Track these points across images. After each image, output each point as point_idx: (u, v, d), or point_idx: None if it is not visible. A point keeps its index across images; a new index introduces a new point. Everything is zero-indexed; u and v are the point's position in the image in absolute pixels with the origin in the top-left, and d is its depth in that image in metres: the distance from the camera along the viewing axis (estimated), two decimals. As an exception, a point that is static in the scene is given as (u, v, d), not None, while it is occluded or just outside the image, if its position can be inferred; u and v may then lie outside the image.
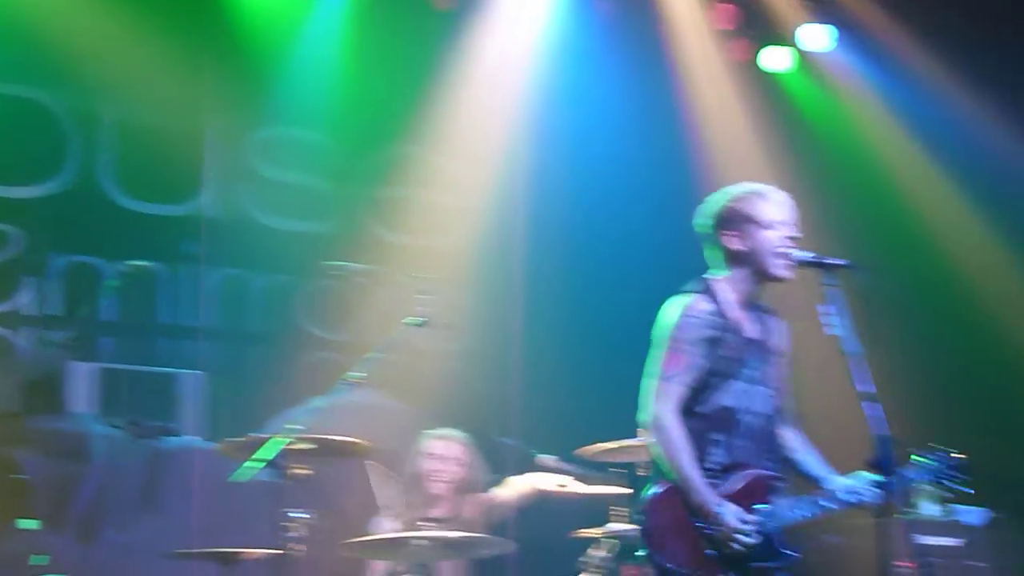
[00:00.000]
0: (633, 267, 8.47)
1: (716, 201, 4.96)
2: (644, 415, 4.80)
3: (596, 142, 8.89)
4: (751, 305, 4.93)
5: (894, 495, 4.46)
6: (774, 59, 9.31)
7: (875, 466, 4.46)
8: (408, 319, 6.55)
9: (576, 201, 8.77)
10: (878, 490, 4.54)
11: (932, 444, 4.92)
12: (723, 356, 4.80)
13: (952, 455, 4.89)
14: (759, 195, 4.91)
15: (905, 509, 4.56)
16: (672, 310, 4.85)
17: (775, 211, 4.87)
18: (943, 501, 7.64)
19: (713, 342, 4.78)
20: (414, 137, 8.68)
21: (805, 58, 9.31)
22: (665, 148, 8.96)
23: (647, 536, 4.77)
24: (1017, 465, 8.68)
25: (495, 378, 8.43)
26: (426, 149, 8.75)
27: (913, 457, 4.88)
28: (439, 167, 8.84)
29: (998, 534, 7.83)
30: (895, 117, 9.14)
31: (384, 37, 8.62)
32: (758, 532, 4.67)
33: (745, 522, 4.66)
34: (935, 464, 4.87)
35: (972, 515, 7.64)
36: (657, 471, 4.82)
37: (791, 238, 4.85)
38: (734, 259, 4.88)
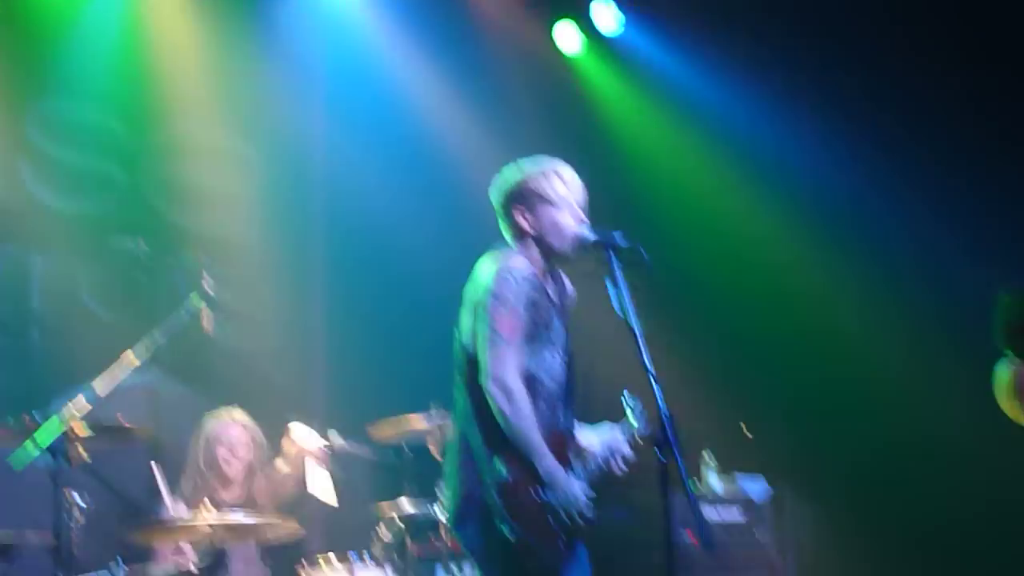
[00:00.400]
0: (431, 247, 8.46)
1: (509, 176, 4.95)
2: (486, 380, 4.67)
3: (394, 126, 8.84)
4: (547, 274, 4.92)
5: (678, 469, 4.50)
6: (566, 40, 9.35)
7: (657, 443, 4.49)
8: (194, 300, 6.45)
9: (375, 184, 8.70)
10: (659, 465, 4.52)
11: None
12: (536, 320, 4.78)
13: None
14: (550, 172, 4.92)
15: (688, 484, 4.58)
16: (491, 266, 4.79)
17: (565, 190, 4.89)
18: (726, 476, 7.85)
19: (533, 304, 4.77)
20: (204, 118, 8.50)
21: (594, 41, 9.37)
22: (464, 129, 8.95)
23: (491, 503, 4.64)
24: (798, 442, 8.99)
25: (288, 359, 8.32)
26: (218, 130, 8.58)
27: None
28: (231, 148, 8.67)
29: (778, 507, 8.05)
30: (682, 102, 9.30)
31: (176, 15, 8.42)
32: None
33: (586, 494, 4.69)
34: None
35: (754, 490, 7.84)
36: (494, 440, 4.69)
37: (579, 219, 4.88)
38: (523, 235, 4.89)
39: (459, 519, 4.76)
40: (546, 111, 9.10)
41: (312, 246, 8.65)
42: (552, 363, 4.84)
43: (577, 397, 4.98)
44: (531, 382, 4.75)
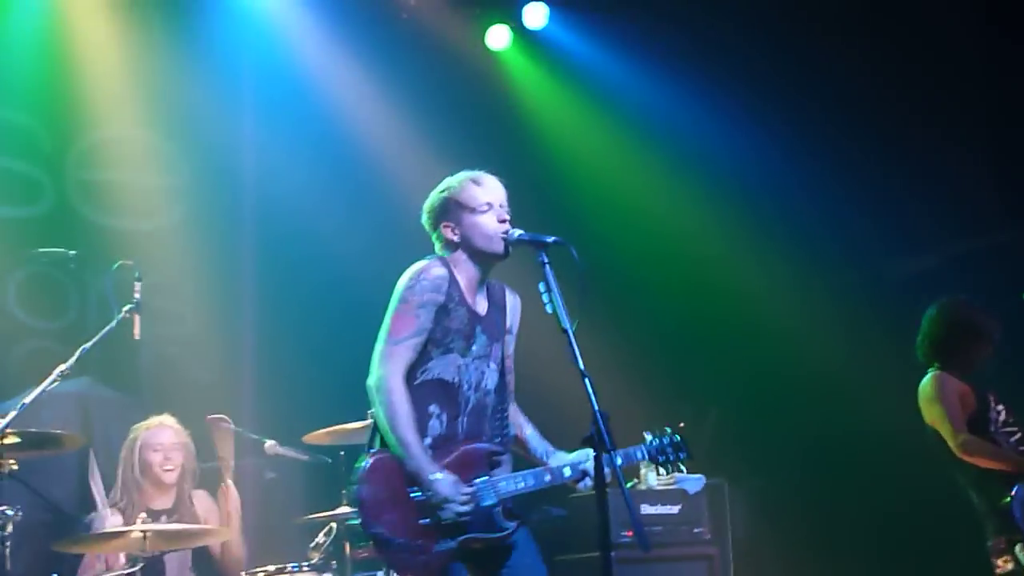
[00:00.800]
0: (362, 249, 8.42)
1: (434, 197, 5.03)
2: (370, 377, 4.77)
3: (323, 126, 8.78)
4: (479, 285, 4.98)
5: (613, 468, 4.51)
6: (494, 36, 9.34)
7: (591, 441, 4.52)
8: (124, 305, 6.38)
9: (304, 185, 8.63)
10: (597, 464, 4.56)
11: (660, 425, 5.08)
12: (445, 327, 4.82)
13: (674, 434, 5.09)
14: (469, 181, 4.99)
15: (626, 480, 4.62)
16: (409, 272, 4.87)
17: (484, 194, 4.95)
18: (663, 471, 7.86)
19: (442, 309, 4.81)
20: (130, 119, 8.42)
21: (521, 36, 9.37)
22: (393, 129, 8.91)
23: (360, 505, 4.70)
24: (734, 433, 9.06)
25: (220, 364, 8.25)
26: (144, 132, 8.50)
27: (644, 434, 5.06)
28: (156, 148, 8.58)
29: (714, 499, 8.09)
30: (607, 94, 9.32)
31: (98, 15, 8.31)
32: (475, 504, 4.71)
33: (458, 492, 4.67)
34: (657, 443, 5.06)
35: (690, 483, 7.84)
36: (372, 439, 4.81)
37: (502, 220, 4.92)
38: (452, 247, 4.96)
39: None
40: (474, 108, 9.09)
41: (244, 248, 8.55)
42: (474, 373, 4.88)
43: (508, 408, 5.01)
44: (441, 387, 4.82)
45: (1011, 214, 8.51)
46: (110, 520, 6.64)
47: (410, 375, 4.80)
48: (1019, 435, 6.22)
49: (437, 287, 4.82)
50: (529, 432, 5.10)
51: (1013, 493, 5.97)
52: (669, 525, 7.71)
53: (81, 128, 8.36)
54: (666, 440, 5.08)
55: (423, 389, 4.81)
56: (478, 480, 4.77)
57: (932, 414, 6.25)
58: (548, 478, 4.88)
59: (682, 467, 5.12)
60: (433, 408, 4.81)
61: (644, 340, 9.00)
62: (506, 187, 5.02)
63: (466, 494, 4.70)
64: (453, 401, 4.83)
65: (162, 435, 6.90)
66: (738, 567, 8.18)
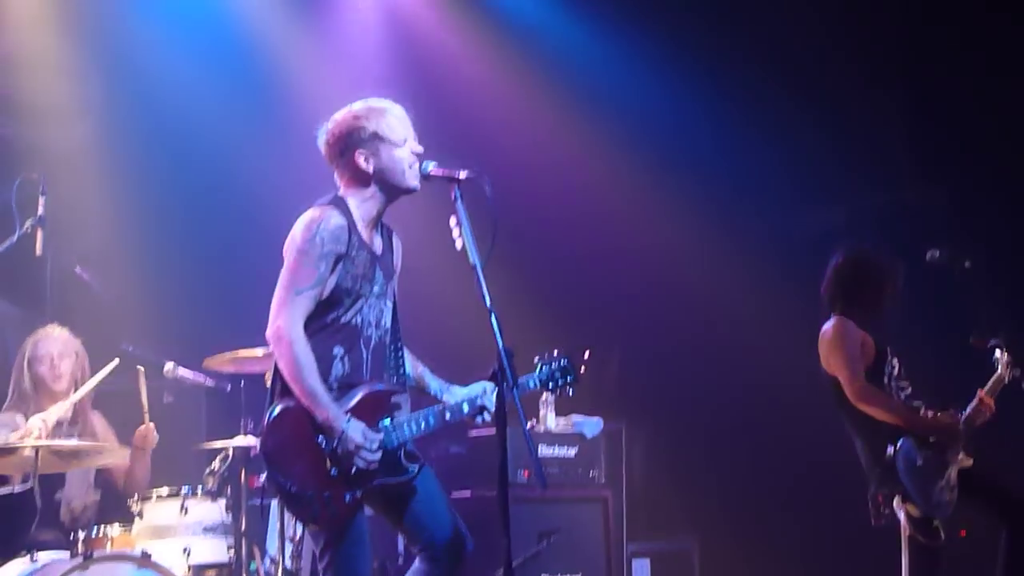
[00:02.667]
0: (271, 174, 8.33)
1: (343, 120, 4.90)
2: (269, 328, 4.70)
3: (238, 49, 8.66)
4: (377, 222, 4.92)
5: (514, 405, 4.51)
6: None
7: (495, 377, 4.52)
8: (27, 219, 6.28)
9: (219, 109, 8.48)
10: (497, 400, 4.56)
11: (550, 351, 5.07)
12: (353, 275, 4.77)
13: (561, 357, 5.07)
14: (382, 111, 4.88)
15: (525, 419, 4.62)
16: (304, 221, 4.77)
17: (400, 126, 4.88)
18: (562, 412, 7.92)
19: (341, 258, 4.74)
20: (42, 29, 8.27)
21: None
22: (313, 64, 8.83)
23: (267, 457, 4.64)
24: (634, 379, 9.14)
25: (124, 283, 8.13)
26: (53, 42, 8.33)
27: (535, 360, 5.04)
28: (67, 60, 8.39)
29: (611, 443, 8.17)
30: (525, 35, 9.27)
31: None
32: (381, 448, 4.68)
33: (369, 439, 4.65)
34: (547, 369, 5.04)
35: (588, 426, 7.93)
36: (278, 389, 4.73)
37: (416, 153, 4.86)
38: (363, 178, 4.85)
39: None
40: (397, 46, 9.00)
41: (151, 166, 8.40)
42: (376, 313, 4.85)
43: (400, 344, 4.97)
44: (351, 332, 4.78)
45: (924, 174, 8.60)
46: (14, 420, 6.55)
47: (319, 323, 4.74)
48: (910, 391, 6.28)
49: (336, 237, 4.73)
50: (421, 369, 5.06)
51: (898, 445, 6.04)
52: (566, 467, 7.76)
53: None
54: (555, 365, 5.05)
55: (331, 334, 4.76)
56: (383, 424, 4.74)
57: (832, 359, 6.28)
58: (448, 416, 4.85)
59: (571, 390, 5.05)
60: (337, 350, 4.76)
61: (549, 280, 9.00)
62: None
63: (375, 440, 4.67)
64: (355, 341, 4.78)
65: (49, 344, 6.79)
66: (632, 511, 8.28)
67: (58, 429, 6.61)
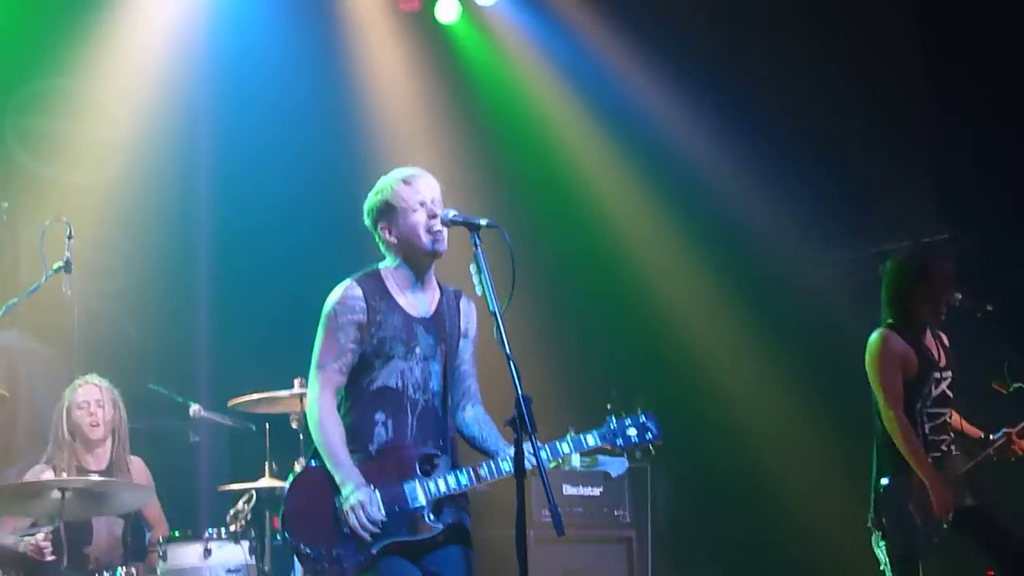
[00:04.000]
0: (305, 218, 8.39)
1: (370, 199, 5.02)
2: (306, 404, 4.90)
3: (265, 85, 8.72)
4: (419, 286, 4.97)
5: (536, 454, 4.54)
6: (445, 10, 9.32)
7: (513, 424, 4.53)
8: (54, 263, 6.34)
9: (249, 150, 8.57)
10: (518, 449, 4.55)
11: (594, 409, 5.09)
12: (380, 338, 4.84)
13: (641, 413, 5.09)
14: (400, 182, 4.96)
15: (543, 467, 4.62)
16: (330, 297, 4.92)
17: (415, 193, 4.94)
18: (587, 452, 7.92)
19: (366, 325, 4.84)
20: (68, 69, 8.33)
21: (471, 10, 9.35)
22: (335, 96, 8.89)
23: (285, 520, 4.78)
24: (659, 418, 9.12)
25: (148, 322, 8.20)
26: (80, 82, 8.40)
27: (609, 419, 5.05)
28: (99, 102, 8.50)
29: (636, 483, 8.17)
30: (556, 73, 9.33)
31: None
32: (401, 508, 4.72)
33: (366, 502, 4.67)
34: (616, 425, 5.06)
35: (613, 465, 7.93)
36: (308, 455, 4.87)
37: (432, 216, 4.90)
38: (392, 248, 4.97)
39: None
40: (423, 81, 9.06)
41: (179, 208, 8.49)
42: (420, 375, 4.90)
43: (456, 410, 5.00)
44: (386, 394, 4.84)
45: (949, 218, 8.58)
46: (41, 476, 6.59)
47: (358, 390, 4.86)
48: (943, 419, 6.16)
49: (351, 308, 4.86)
50: (488, 431, 5.04)
51: (885, 483, 6.02)
52: (590, 507, 7.79)
53: (25, 74, 8.26)
54: (628, 422, 5.06)
55: (368, 399, 4.85)
56: (406, 483, 4.78)
57: (871, 374, 6.16)
58: (483, 473, 4.86)
59: (651, 448, 5.07)
60: (379, 416, 4.83)
61: (575, 324, 9.04)
62: (440, 182, 5.00)
63: (380, 505, 4.70)
64: (400, 405, 4.84)
65: (87, 392, 6.87)
66: (657, 551, 8.27)
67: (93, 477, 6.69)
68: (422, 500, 4.77)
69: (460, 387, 5.05)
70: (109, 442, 6.86)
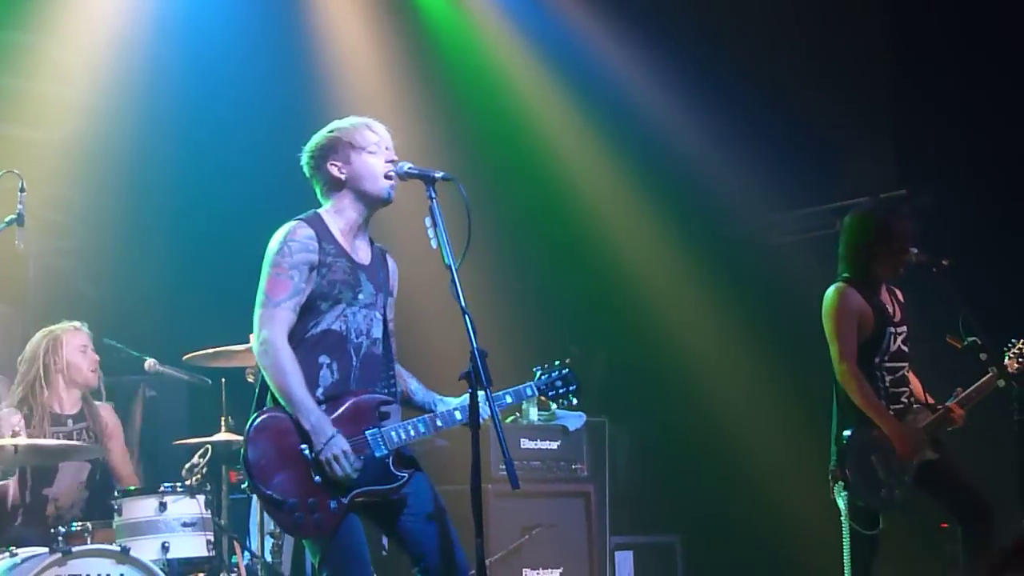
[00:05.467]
0: (255, 172, 8.35)
1: (320, 136, 5.00)
2: (255, 343, 4.78)
3: (226, 43, 8.63)
4: (360, 232, 4.96)
5: (490, 406, 4.53)
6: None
7: (468, 378, 4.54)
8: (6, 216, 6.29)
9: (196, 104, 8.50)
10: (472, 401, 4.55)
11: (550, 361, 5.11)
12: (330, 280, 4.81)
13: (562, 367, 5.11)
14: (360, 125, 4.97)
15: (507, 415, 4.66)
16: (276, 236, 4.85)
17: (374, 137, 4.95)
18: (547, 407, 7.94)
19: (316, 266, 4.80)
20: (22, 24, 8.23)
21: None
22: (296, 55, 8.84)
23: (248, 467, 4.67)
24: (616, 371, 9.18)
25: (103, 279, 8.16)
26: (35, 36, 8.31)
27: (534, 369, 5.08)
28: (49, 56, 8.40)
29: (594, 437, 8.20)
30: (517, 31, 9.29)
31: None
32: (366, 456, 4.71)
33: (347, 450, 4.66)
34: (546, 377, 5.09)
35: (571, 419, 7.94)
36: (261, 398, 4.80)
37: (390, 160, 4.92)
38: (337, 186, 4.93)
39: None
40: (383, 39, 9.01)
41: (134, 164, 8.40)
42: (362, 321, 4.88)
43: (393, 362, 4.98)
44: (336, 339, 4.82)
45: (904, 178, 8.62)
46: (9, 419, 6.56)
47: (301, 332, 4.79)
48: (902, 372, 6.23)
49: (305, 246, 4.80)
50: (414, 386, 5.10)
51: (848, 435, 6.05)
52: (548, 460, 7.80)
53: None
54: (555, 374, 5.09)
55: (315, 344, 4.80)
56: (368, 432, 4.77)
57: (827, 327, 6.20)
58: (439, 423, 4.87)
59: (573, 399, 5.09)
60: (323, 359, 4.80)
61: (535, 280, 9.05)
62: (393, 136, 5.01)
63: (356, 450, 4.69)
64: (343, 350, 4.82)
65: (81, 337, 6.86)
66: (615, 504, 8.32)
67: (62, 423, 6.66)
68: (385, 448, 4.77)
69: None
70: (82, 389, 6.83)
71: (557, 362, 5.13)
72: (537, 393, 5.08)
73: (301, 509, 4.64)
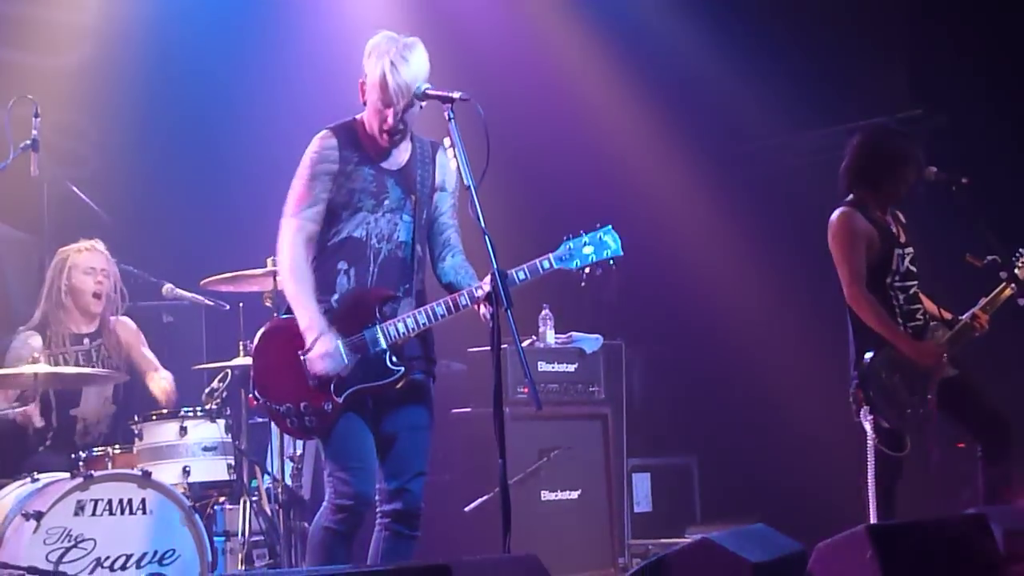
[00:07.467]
0: (272, 98, 8.30)
1: (369, 44, 4.94)
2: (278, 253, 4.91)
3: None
4: (397, 132, 4.92)
5: (509, 324, 4.53)
6: None
7: (489, 299, 4.58)
8: (20, 142, 6.27)
9: (213, 31, 8.42)
10: (492, 320, 4.56)
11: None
12: (349, 188, 4.86)
13: (602, 232, 5.01)
14: (395, 39, 4.89)
15: (523, 338, 4.63)
16: (309, 146, 4.93)
17: (401, 55, 4.86)
18: (561, 329, 7.96)
19: (337, 175, 4.86)
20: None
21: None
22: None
23: (254, 376, 4.85)
24: (632, 296, 9.17)
25: (119, 204, 8.13)
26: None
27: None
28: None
29: (611, 360, 8.21)
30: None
31: None
32: (363, 353, 4.76)
33: (330, 349, 4.71)
34: (571, 245, 4.95)
35: (588, 342, 7.96)
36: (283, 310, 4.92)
37: (389, 105, 4.86)
38: (369, 90, 4.91)
39: None
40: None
41: (149, 92, 8.35)
42: (385, 226, 4.91)
43: (424, 260, 5.02)
44: (355, 246, 4.88)
45: (917, 98, 8.55)
46: (28, 342, 6.59)
47: (323, 240, 4.90)
48: (914, 290, 6.19)
49: (325, 157, 4.89)
50: (463, 279, 4.97)
51: (870, 357, 6.03)
52: (565, 383, 7.81)
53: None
54: (585, 239, 4.94)
55: (333, 249, 4.90)
56: (367, 328, 4.81)
57: (833, 252, 6.17)
58: (441, 310, 4.83)
59: (611, 263, 4.96)
60: (341, 264, 4.88)
61: (549, 201, 9.01)
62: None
63: (344, 348, 4.74)
64: (361, 255, 4.88)
65: (94, 259, 6.84)
66: (632, 426, 8.35)
67: (80, 343, 6.68)
68: (383, 343, 4.80)
69: (439, 239, 5.07)
70: (104, 307, 6.84)
71: (598, 224, 5.02)
72: (556, 265, 4.91)
73: (295, 414, 4.78)
